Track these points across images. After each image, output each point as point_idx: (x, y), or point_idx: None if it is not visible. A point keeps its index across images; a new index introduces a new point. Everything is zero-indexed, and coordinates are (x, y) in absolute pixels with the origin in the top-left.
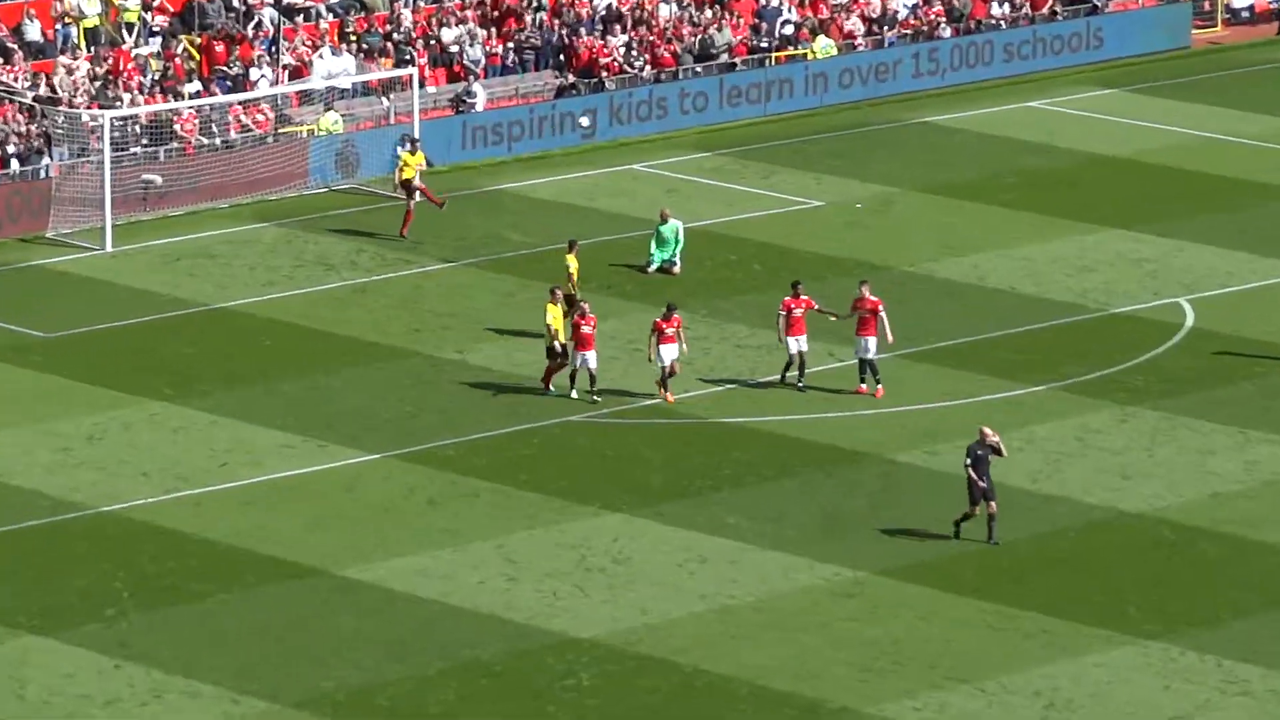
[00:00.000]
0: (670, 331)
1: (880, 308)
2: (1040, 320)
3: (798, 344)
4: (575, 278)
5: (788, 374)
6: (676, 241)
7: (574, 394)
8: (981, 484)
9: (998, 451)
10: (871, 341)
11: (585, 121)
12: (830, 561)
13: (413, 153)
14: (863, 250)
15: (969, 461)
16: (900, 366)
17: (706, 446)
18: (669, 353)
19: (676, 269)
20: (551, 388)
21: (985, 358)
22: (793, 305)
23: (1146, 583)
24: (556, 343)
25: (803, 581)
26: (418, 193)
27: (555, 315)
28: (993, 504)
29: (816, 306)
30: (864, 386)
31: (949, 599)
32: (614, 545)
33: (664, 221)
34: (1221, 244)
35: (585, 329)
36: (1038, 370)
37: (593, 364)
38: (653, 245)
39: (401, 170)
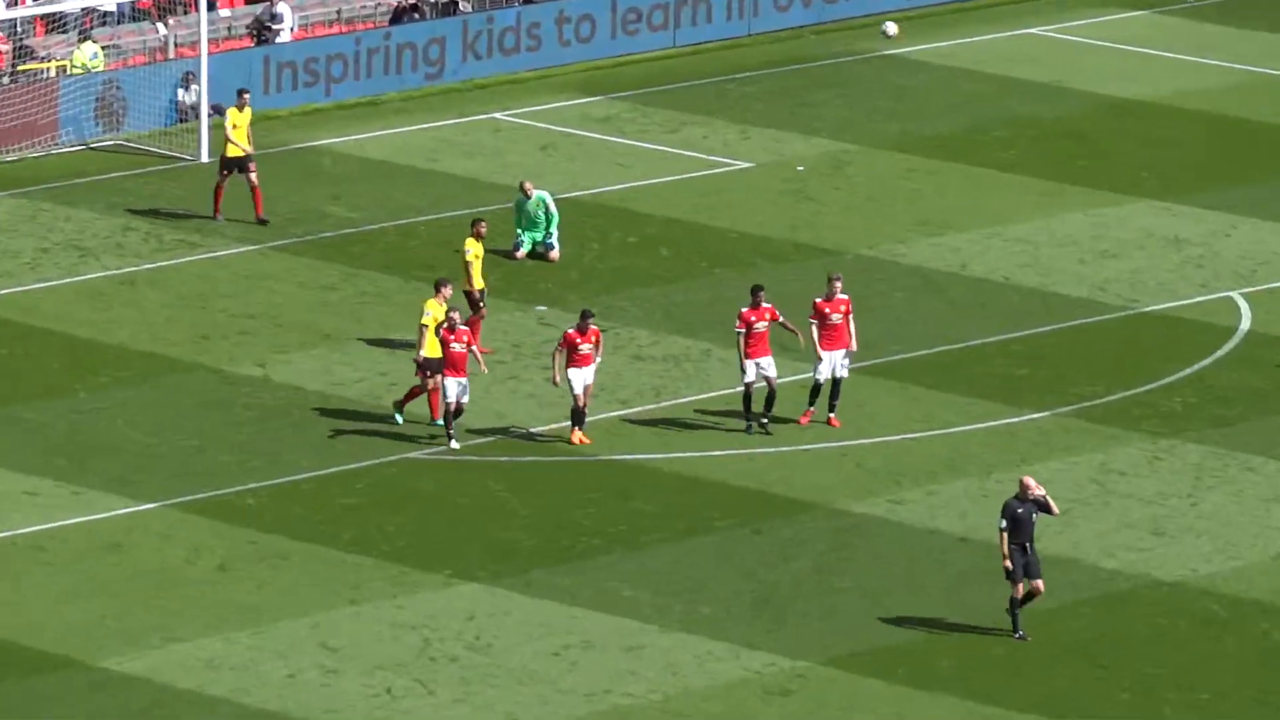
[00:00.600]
0: (586, 349)
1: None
2: (1044, 322)
3: (759, 369)
4: (477, 271)
5: (751, 414)
6: (549, 218)
7: (454, 444)
8: (1016, 558)
9: (1045, 509)
10: (840, 357)
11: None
12: (761, 648)
13: (240, 109)
14: (806, 228)
15: (1005, 525)
16: (856, 384)
17: (594, 494)
18: (582, 378)
19: (554, 254)
20: (399, 416)
21: (970, 373)
22: (753, 318)
23: (1187, 675)
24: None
25: (725, 675)
26: (250, 173)
27: (436, 310)
28: (1037, 582)
29: (780, 319)
30: (812, 410)
31: (921, 699)
32: (469, 626)
33: (526, 196)
34: None
35: (457, 347)
36: (1041, 390)
37: (452, 394)
38: (517, 226)
39: (231, 131)
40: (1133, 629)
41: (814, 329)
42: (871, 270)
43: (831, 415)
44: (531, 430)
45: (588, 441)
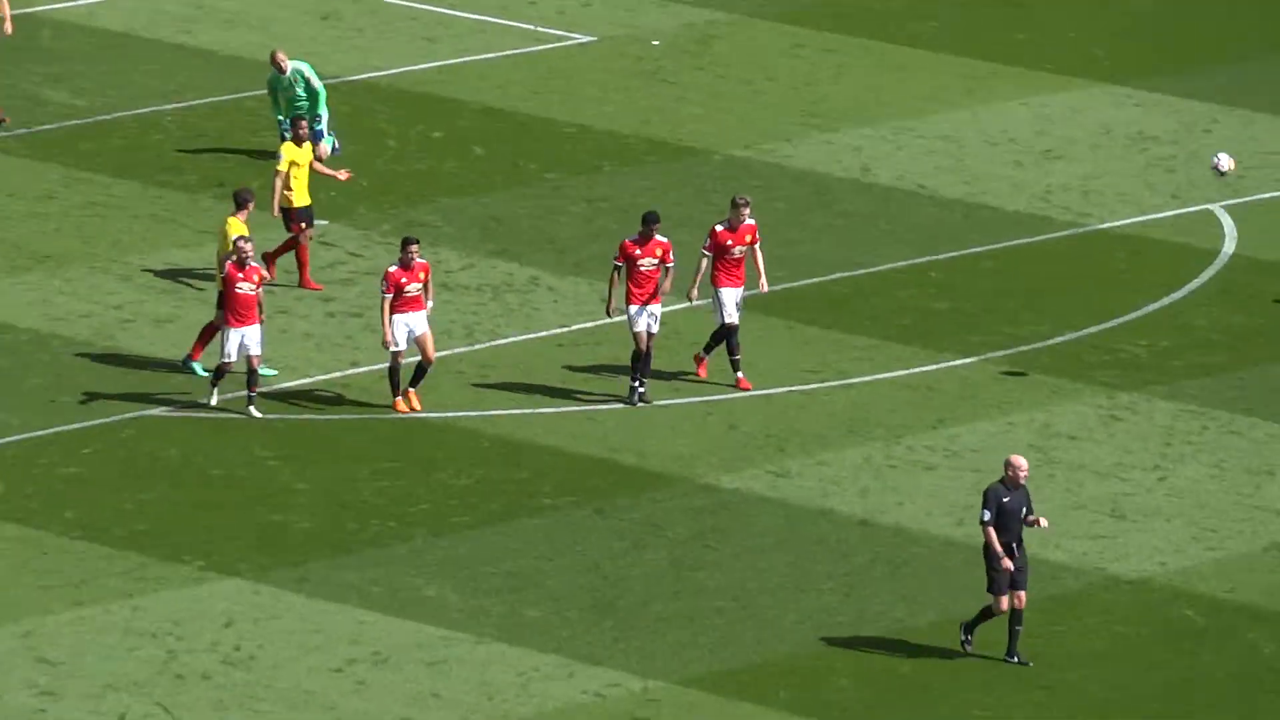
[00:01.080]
0: (414, 290)
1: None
2: (970, 244)
3: (646, 317)
4: (301, 184)
5: (636, 375)
6: (314, 96)
7: (214, 399)
8: (1007, 559)
9: (1029, 512)
10: (738, 295)
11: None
12: (604, 663)
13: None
14: (663, 121)
15: (988, 517)
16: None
17: (389, 463)
18: (412, 325)
19: (325, 158)
20: (198, 366)
21: (874, 308)
22: (637, 253)
23: (1154, 700)
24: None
25: (556, 698)
26: None
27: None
28: (1020, 593)
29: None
30: (706, 360)
31: None
32: (226, 634)
33: (279, 71)
34: None
35: (245, 287)
36: (966, 330)
37: (255, 348)
38: (276, 113)
39: None
40: (1084, 640)
41: (704, 262)
42: (747, 175)
43: (740, 375)
44: (312, 385)
45: (414, 408)
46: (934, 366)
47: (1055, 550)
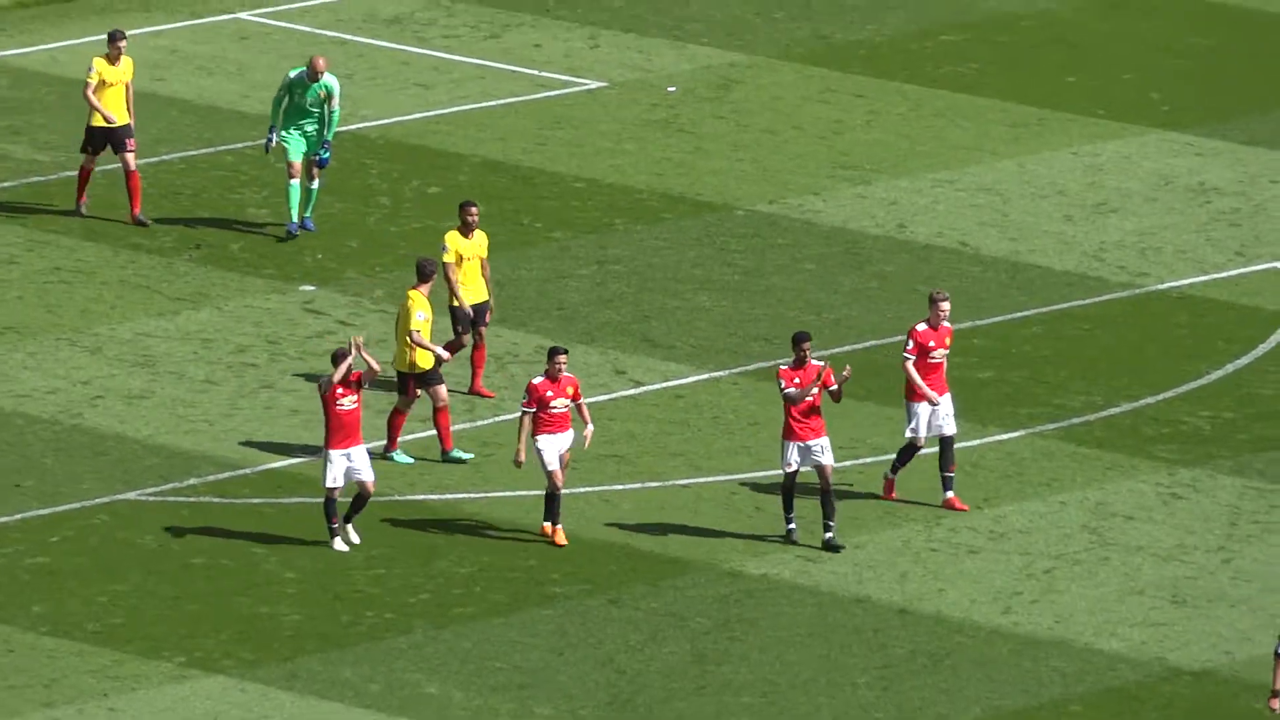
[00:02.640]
0: (560, 406)
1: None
2: (1017, 306)
3: (810, 453)
4: (474, 277)
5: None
6: (330, 118)
7: (339, 543)
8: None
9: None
10: (945, 406)
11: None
12: None
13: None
14: (680, 174)
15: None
16: (747, 393)
17: (385, 549)
18: (556, 447)
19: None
20: (397, 453)
21: (899, 378)
22: (796, 380)
23: None
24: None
25: None
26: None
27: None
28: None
29: (834, 384)
30: (893, 480)
31: None
32: None
33: (314, 77)
34: None
35: (346, 403)
36: (1013, 401)
37: (336, 475)
38: (274, 115)
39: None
40: None
41: (909, 367)
42: (771, 232)
43: (950, 494)
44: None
45: (563, 542)
46: (978, 441)
47: (1111, 639)
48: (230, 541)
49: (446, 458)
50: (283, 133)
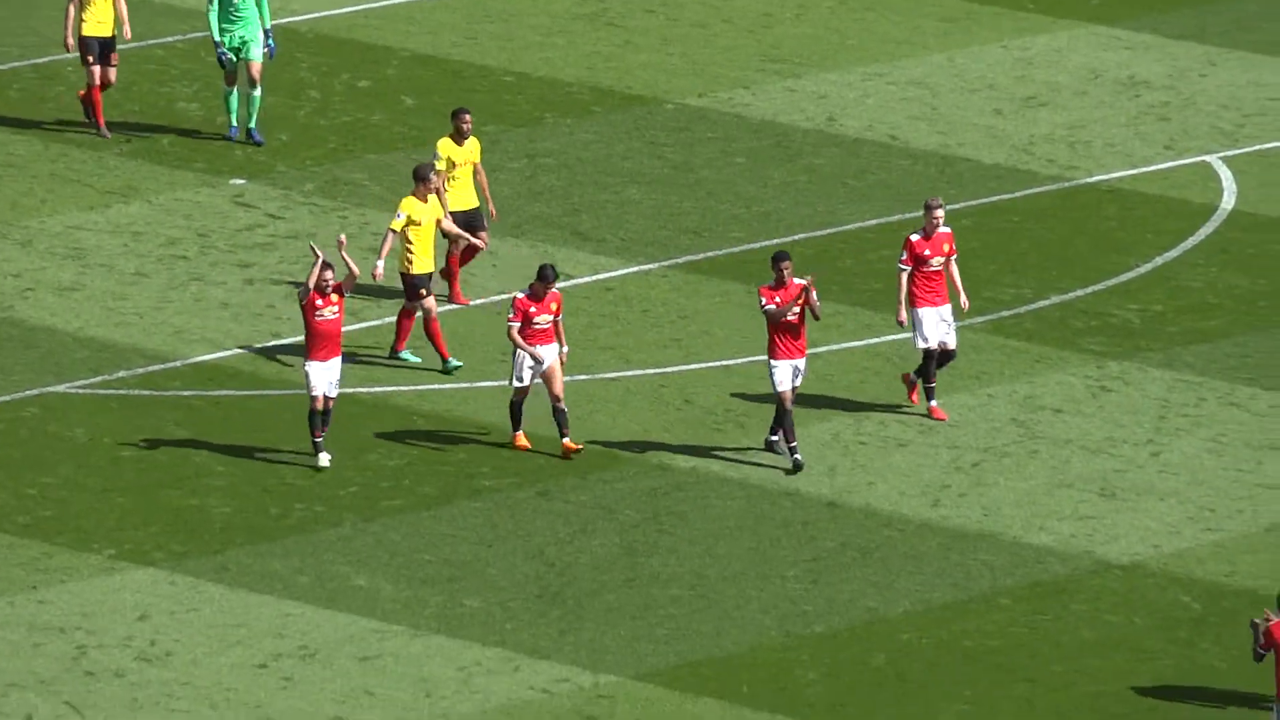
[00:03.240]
0: (544, 321)
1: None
2: (948, 200)
3: (795, 371)
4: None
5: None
6: (260, 5)
7: (324, 458)
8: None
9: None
10: (945, 316)
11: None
12: (552, 657)
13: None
14: (609, 66)
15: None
16: (677, 285)
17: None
18: (543, 356)
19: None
20: (407, 353)
21: (842, 270)
22: (777, 299)
23: (1147, 695)
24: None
25: (500, 694)
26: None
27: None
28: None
29: (810, 300)
30: (918, 385)
31: None
32: (140, 628)
33: None
34: None
35: (327, 313)
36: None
37: (318, 385)
38: (215, 20)
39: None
40: (1071, 630)
41: (903, 278)
42: (701, 126)
43: (934, 403)
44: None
45: (575, 447)
46: (906, 335)
47: (1040, 533)
48: (160, 434)
49: (394, 355)
50: (222, 43)
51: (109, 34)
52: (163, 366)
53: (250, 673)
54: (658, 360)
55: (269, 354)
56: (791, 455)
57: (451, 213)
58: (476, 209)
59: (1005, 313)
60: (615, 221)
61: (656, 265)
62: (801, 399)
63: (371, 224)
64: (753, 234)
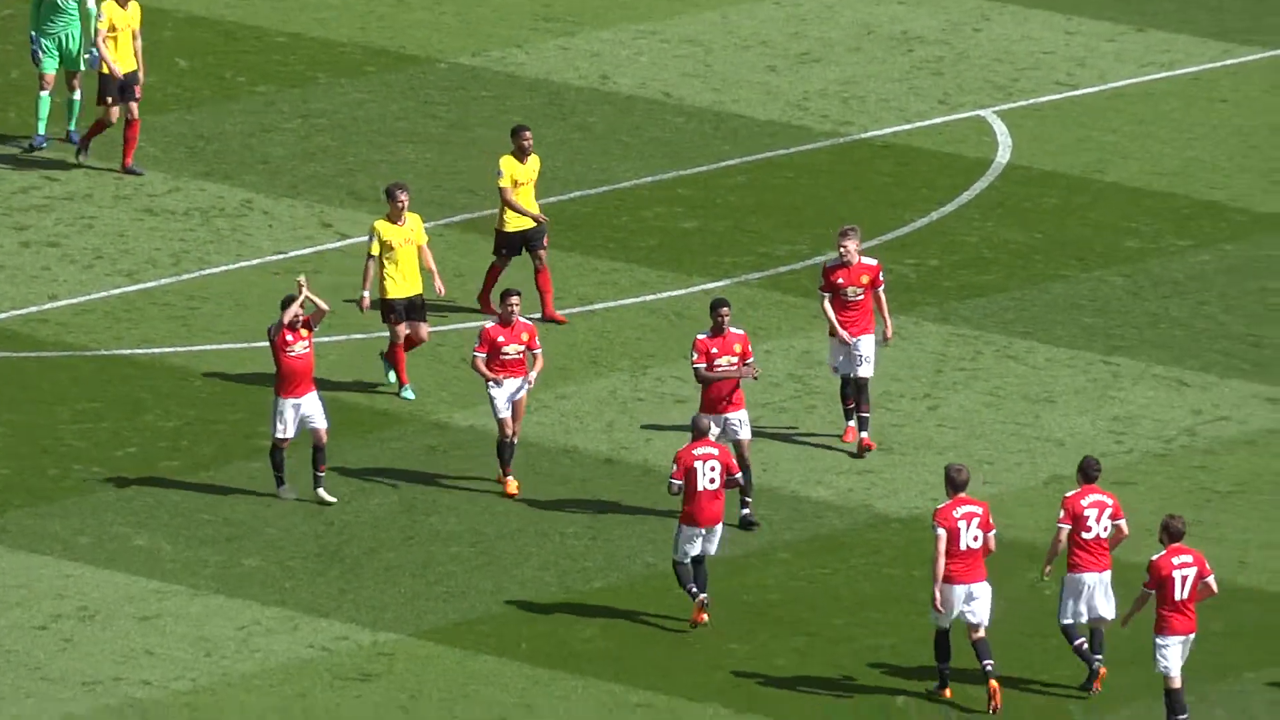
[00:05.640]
0: (513, 352)
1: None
2: (722, 156)
3: (728, 425)
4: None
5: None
6: (86, 16)
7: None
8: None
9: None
10: (863, 346)
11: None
12: (331, 615)
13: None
14: (383, 27)
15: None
16: (465, 245)
17: (92, 403)
18: (505, 395)
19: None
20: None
21: (618, 229)
22: (714, 349)
23: (928, 643)
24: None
25: (280, 654)
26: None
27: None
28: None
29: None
30: (851, 426)
31: (555, 682)
32: None
33: None
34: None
35: (297, 349)
36: (717, 250)
37: (318, 419)
38: (34, 26)
39: None
40: (851, 584)
41: (824, 304)
42: (475, 85)
43: (864, 435)
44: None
45: (513, 490)
46: (683, 291)
47: (818, 487)
48: None
49: (400, 390)
50: (42, 45)
51: (133, 69)
52: None
53: (30, 634)
54: (434, 320)
55: (45, 317)
56: (743, 509)
57: (518, 232)
58: (538, 226)
59: (782, 269)
60: (391, 180)
61: (432, 224)
62: (578, 355)
63: (148, 184)
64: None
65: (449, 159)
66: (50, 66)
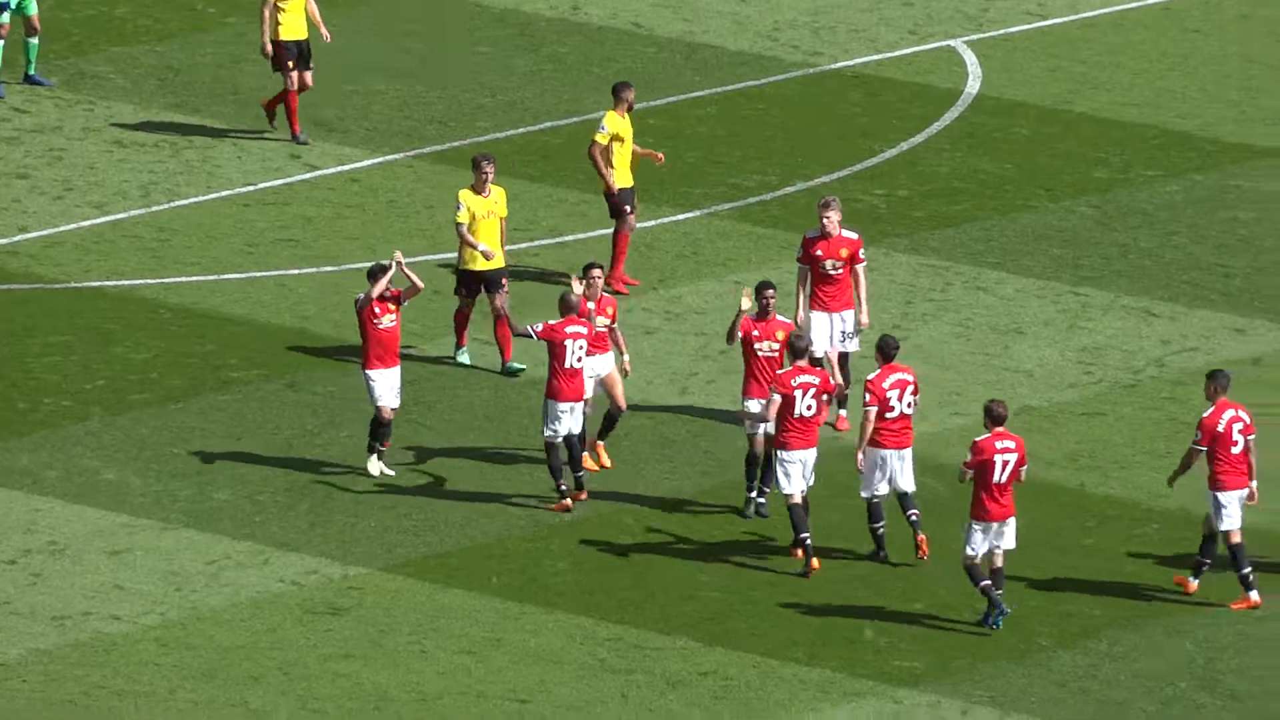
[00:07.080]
0: (599, 325)
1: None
2: (693, 87)
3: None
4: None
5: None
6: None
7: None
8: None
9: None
10: (841, 323)
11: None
12: (301, 549)
13: None
14: None
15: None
16: (435, 178)
17: (61, 336)
18: (594, 369)
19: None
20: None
21: (587, 159)
22: (755, 331)
23: (898, 575)
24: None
25: (250, 588)
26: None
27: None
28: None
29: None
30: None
31: (525, 615)
32: None
33: None
34: None
35: (386, 320)
36: (688, 181)
37: (383, 396)
38: None
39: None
40: (815, 514)
41: (800, 277)
42: (440, 14)
43: (842, 413)
44: None
45: (608, 464)
46: (653, 222)
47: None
48: None
49: (505, 369)
50: None
51: (304, 37)
52: None
53: None
54: (405, 250)
55: (14, 249)
56: (758, 498)
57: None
58: (632, 188)
59: (752, 200)
60: (360, 112)
61: (402, 155)
62: (549, 286)
63: (117, 116)
64: (499, 124)
65: (418, 90)
66: (3, 14)
